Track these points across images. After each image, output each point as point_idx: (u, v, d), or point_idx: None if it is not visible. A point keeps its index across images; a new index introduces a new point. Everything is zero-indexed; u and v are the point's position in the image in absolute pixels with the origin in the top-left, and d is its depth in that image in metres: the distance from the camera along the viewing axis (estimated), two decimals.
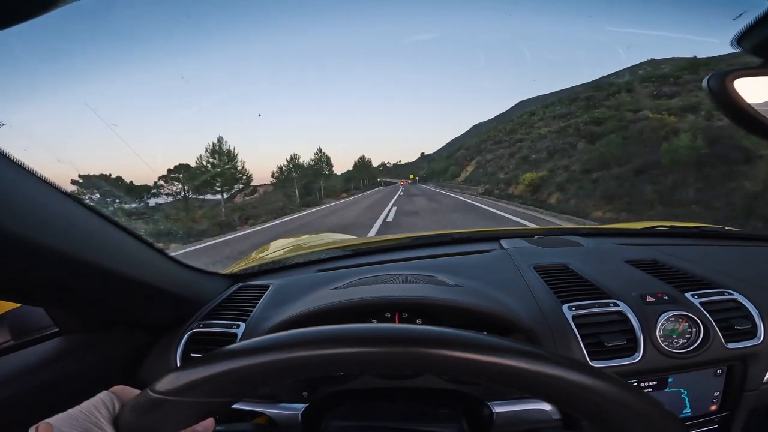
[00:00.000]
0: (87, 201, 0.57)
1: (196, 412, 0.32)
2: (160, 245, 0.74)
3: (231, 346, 0.33)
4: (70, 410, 0.33)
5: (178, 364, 0.74)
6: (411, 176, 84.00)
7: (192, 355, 0.75)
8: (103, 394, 0.34)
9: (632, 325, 0.71)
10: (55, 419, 0.32)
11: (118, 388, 0.36)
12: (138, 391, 0.34)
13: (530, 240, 1.14)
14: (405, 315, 0.79)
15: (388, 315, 0.79)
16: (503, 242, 1.13)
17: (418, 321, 0.78)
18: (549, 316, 0.73)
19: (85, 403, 0.33)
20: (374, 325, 0.35)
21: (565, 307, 0.75)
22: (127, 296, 0.65)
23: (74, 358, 0.68)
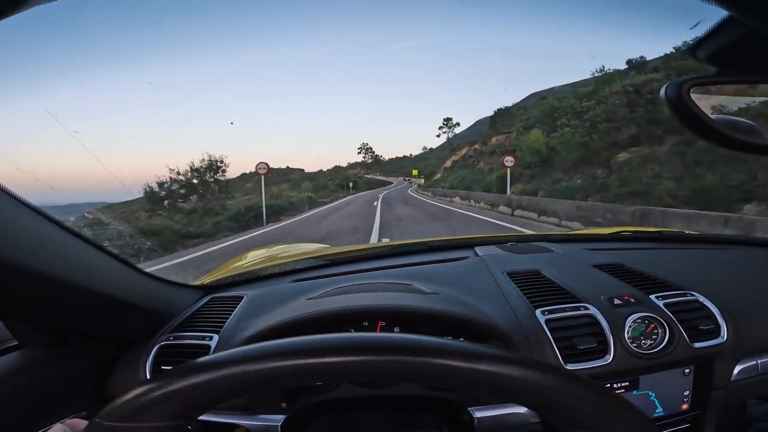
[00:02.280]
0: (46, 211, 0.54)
1: None
2: (126, 257, 0.71)
3: (179, 366, 0.32)
4: None
5: (148, 377, 0.71)
6: (414, 172, 63.34)
7: (163, 368, 0.72)
8: (56, 427, 0.33)
9: (602, 327, 0.73)
10: None
11: (72, 421, 0.35)
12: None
13: (503, 247, 1.16)
14: (383, 323, 0.78)
15: (365, 324, 0.78)
16: (478, 249, 1.15)
17: (396, 329, 0.78)
18: (523, 321, 0.74)
19: None
20: (316, 337, 0.34)
21: (538, 311, 0.76)
22: (90, 308, 0.62)
23: (37, 372, 0.63)
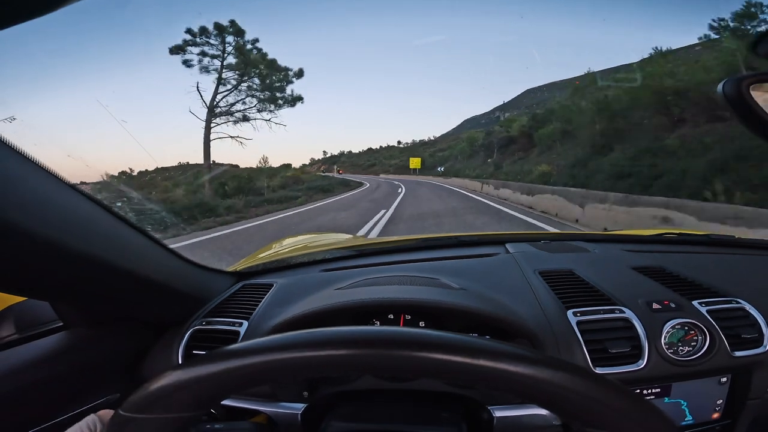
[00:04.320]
0: (94, 195, 0.57)
1: (169, 428, 0.31)
2: (166, 242, 0.74)
3: (194, 359, 0.33)
4: None
5: (180, 362, 0.74)
6: (414, 163, 54.15)
7: (194, 352, 0.75)
8: (88, 418, 0.36)
9: (637, 332, 0.70)
10: None
11: (103, 413, 0.36)
12: None
13: (536, 245, 1.13)
14: (408, 317, 0.78)
15: (391, 316, 0.78)
16: (509, 246, 1.12)
17: (421, 323, 0.78)
18: (553, 322, 0.72)
19: (70, 429, 0.34)
20: (331, 329, 0.34)
21: (569, 312, 0.74)
22: (131, 292, 0.65)
23: (78, 353, 0.68)
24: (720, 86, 0.39)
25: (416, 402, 0.73)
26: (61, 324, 0.73)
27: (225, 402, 0.73)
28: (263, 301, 0.84)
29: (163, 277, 0.69)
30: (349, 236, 1.78)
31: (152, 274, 0.66)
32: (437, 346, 0.31)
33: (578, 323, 0.72)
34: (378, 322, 0.78)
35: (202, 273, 0.87)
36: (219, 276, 0.94)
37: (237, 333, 0.76)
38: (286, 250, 1.44)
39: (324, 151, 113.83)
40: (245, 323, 0.77)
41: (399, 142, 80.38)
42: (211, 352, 0.32)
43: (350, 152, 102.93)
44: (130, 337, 0.76)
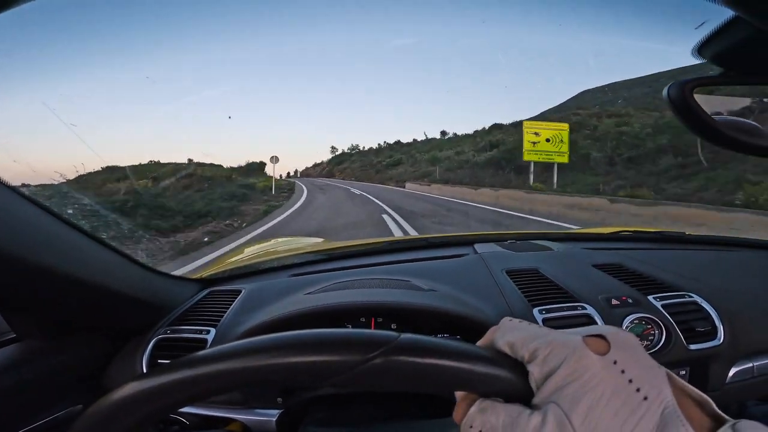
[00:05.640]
0: (45, 203, 0.54)
1: None
2: (125, 249, 0.70)
3: (157, 368, 0.30)
4: None
5: (144, 371, 0.71)
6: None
7: (159, 361, 0.72)
8: None
9: None
10: None
11: None
12: None
13: (503, 244, 1.16)
14: (380, 320, 0.78)
15: (363, 320, 0.78)
16: (477, 247, 1.15)
17: (393, 326, 0.78)
18: (520, 319, 0.74)
19: None
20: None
21: (535, 310, 0.76)
22: (88, 301, 0.62)
23: (33, 365, 0.63)
24: (665, 90, 0.41)
25: (392, 403, 0.73)
26: (14, 336, 0.68)
27: (197, 411, 0.71)
28: (231, 307, 0.82)
29: (122, 286, 0.66)
30: (319, 240, 1.76)
31: (110, 282, 0.63)
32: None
33: (544, 320, 0.74)
34: (350, 326, 0.78)
35: (165, 280, 0.83)
36: (183, 283, 0.91)
37: (204, 341, 0.74)
38: (254, 255, 1.41)
39: (333, 148, 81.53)
40: (213, 330, 0.75)
41: (444, 133, 49.51)
42: (175, 360, 0.30)
43: (367, 149, 66.90)
44: (91, 348, 0.72)
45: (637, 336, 0.74)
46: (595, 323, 0.74)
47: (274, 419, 0.70)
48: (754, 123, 0.41)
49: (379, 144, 65.49)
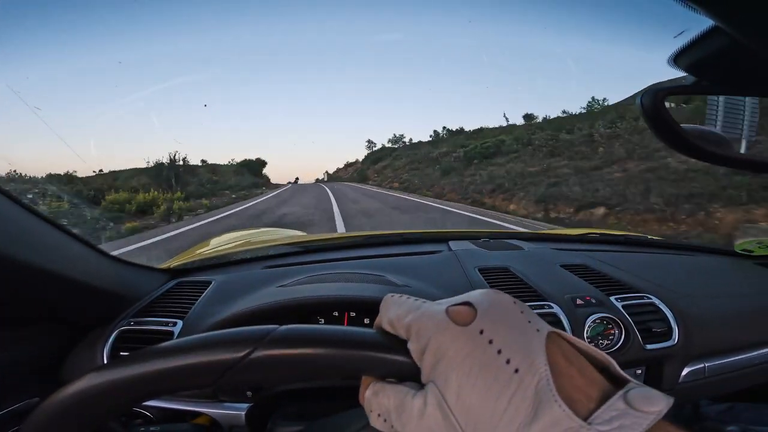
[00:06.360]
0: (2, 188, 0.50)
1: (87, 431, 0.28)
2: (86, 238, 0.67)
3: (117, 360, 0.29)
4: None
5: (105, 363, 0.68)
6: None
7: (121, 353, 0.69)
8: None
9: (564, 326, 0.75)
10: None
11: None
12: None
13: (477, 242, 1.18)
14: (353, 314, 0.78)
15: (336, 314, 0.78)
16: (451, 244, 1.16)
17: (366, 320, 0.77)
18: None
19: None
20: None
21: None
22: (46, 290, 0.58)
23: None
24: (638, 98, 0.42)
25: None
26: None
27: (163, 404, 0.69)
28: (200, 299, 0.79)
29: (83, 274, 0.63)
30: (293, 232, 1.73)
31: (70, 270, 0.60)
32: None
33: None
34: (322, 320, 0.77)
35: (129, 270, 0.80)
36: (149, 273, 0.87)
37: (171, 333, 0.71)
38: (226, 246, 1.37)
39: (369, 143, 62.95)
40: (180, 322, 0.72)
41: (530, 117, 33.34)
42: (136, 352, 0.29)
43: (416, 141, 50.55)
44: (50, 339, 0.68)
45: (599, 335, 0.77)
46: (561, 322, 0.76)
47: (244, 413, 0.69)
48: (720, 133, 0.43)
49: (437, 131, 46.06)
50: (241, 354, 0.26)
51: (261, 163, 49.53)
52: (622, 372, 0.24)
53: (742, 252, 1.19)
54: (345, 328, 0.28)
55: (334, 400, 0.73)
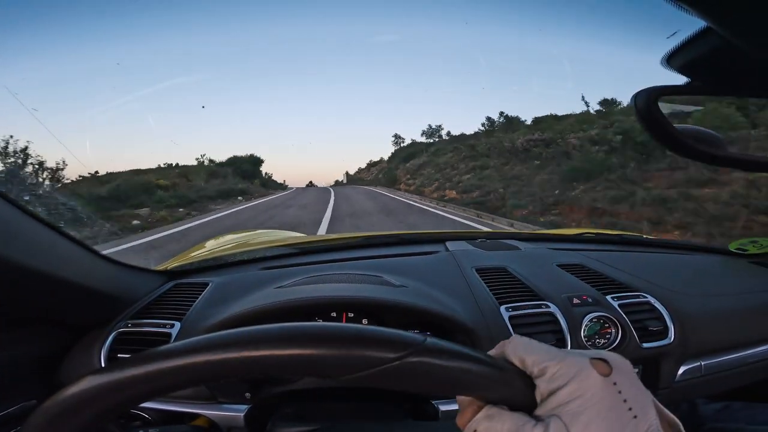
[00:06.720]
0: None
1: None
2: (83, 240, 0.67)
3: (115, 362, 0.29)
4: None
5: (102, 365, 0.68)
6: None
7: (119, 356, 0.69)
8: None
9: (561, 325, 0.76)
10: None
11: None
12: None
13: (473, 243, 1.18)
14: (351, 315, 0.78)
15: (333, 314, 0.78)
16: (448, 244, 1.16)
17: (364, 321, 0.78)
18: (488, 317, 0.76)
19: None
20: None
21: (502, 308, 0.78)
22: (44, 293, 0.58)
23: None
24: (632, 98, 0.43)
25: (362, 399, 0.73)
26: None
27: (161, 406, 0.69)
28: (198, 300, 0.79)
29: (81, 276, 0.63)
30: (290, 233, 1.73)
31: (67, 272, 0.59)
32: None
33: (510, 318, 0.76)
34: (320, 321, 0.77)
35: (126, 272, 0.80)
36: (147, 275, 0.87)
37: (168, 335, 0.71)
38: (223, 247, 1.37)
39: (396, 137, 50.41)
40: (177, 324, 0.72)
41: (610, 102, 20.62)
42: (136, 355, 0.29)
43: (459, 134, 39.54)
44: (48, 341, 0.68)
45: (596, 335, 0.77)
46: (558, 321, 0.76)
47: (242, 414, 0.69)
48: (714, 133, 0.43)
49: (491, 119, 33.29)
50: (395, 356, 0.27)
51: (254, 162, 37.71)
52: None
53: (737, 250, 1.20)
54: (479, 350, 0.30)
55: (333, 402, 0.73)
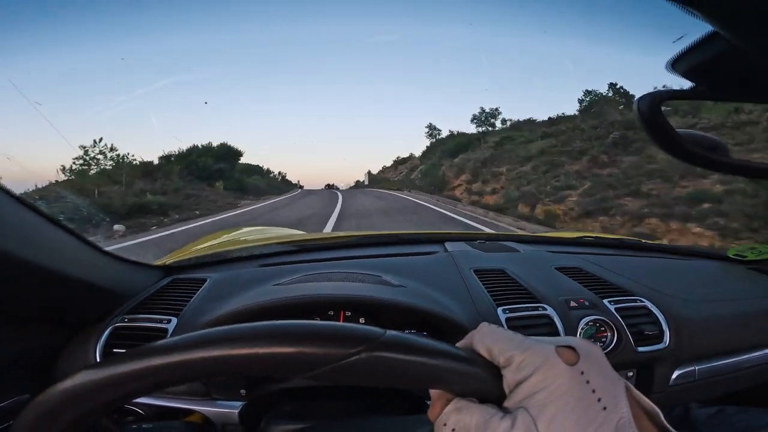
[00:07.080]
0: None
1: (78, 429, 0.28)
2: (81, 233, 0.66)
3: (111, 357, 0.29)
4: None
5: (98, 360, 0.67)
6: None
7: (115, 350, 0.69)
8: None
9: (557, 328, 0.76)
10: None
11: None
12: None
13: (473, 244, 1.18)
14: (348, 313, 0.78)
15: (331, 313, 0.77)
16: (448, 245, 1.16)
17: (361, 320, 0.78)
18: (485, 318, 0.76)
19: None
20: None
21: (500, 309, 0.78)
22: (36, 286, 0.58)
23: None
24: (635, 103, 0.42)
25: (358, 397, 0.73)
26: None
27: (155, 401, 0.69)
28: (195, 296, 0.79)
29: (76, 270, 0.62)
30: (289, 231, 1.73)
31: (64, 267, 0.59)
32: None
33: (507, 320, 0.76)
34: (318, 319, 0.77)
35: (123, 266, 0.79)
36: (144, 270, 0.87)
37: (165, 330, 0.71)
38: (221, 243, 1.37)
39: (431, 127, 42.13)
40: (174, 320, 0.72)
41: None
42: (131, 350, 0.29)
43: (526, 120, 28.58)
44: (42, 335, 0.68)
45: (591, 337, 0.78)
46: (555, 324, 0.76)
47: (237, 411, 0.69)
48: (717, 139, 0.43)
49: (591, 91, 27.47)
50: (350, 351, 0.27)
51: (221, 154, 24.78)
52: (665, 422, 0.28)
53: (735, 257, 1.20)
54: (444, 342, 0.30)
55: (327, 400, 0.73)
